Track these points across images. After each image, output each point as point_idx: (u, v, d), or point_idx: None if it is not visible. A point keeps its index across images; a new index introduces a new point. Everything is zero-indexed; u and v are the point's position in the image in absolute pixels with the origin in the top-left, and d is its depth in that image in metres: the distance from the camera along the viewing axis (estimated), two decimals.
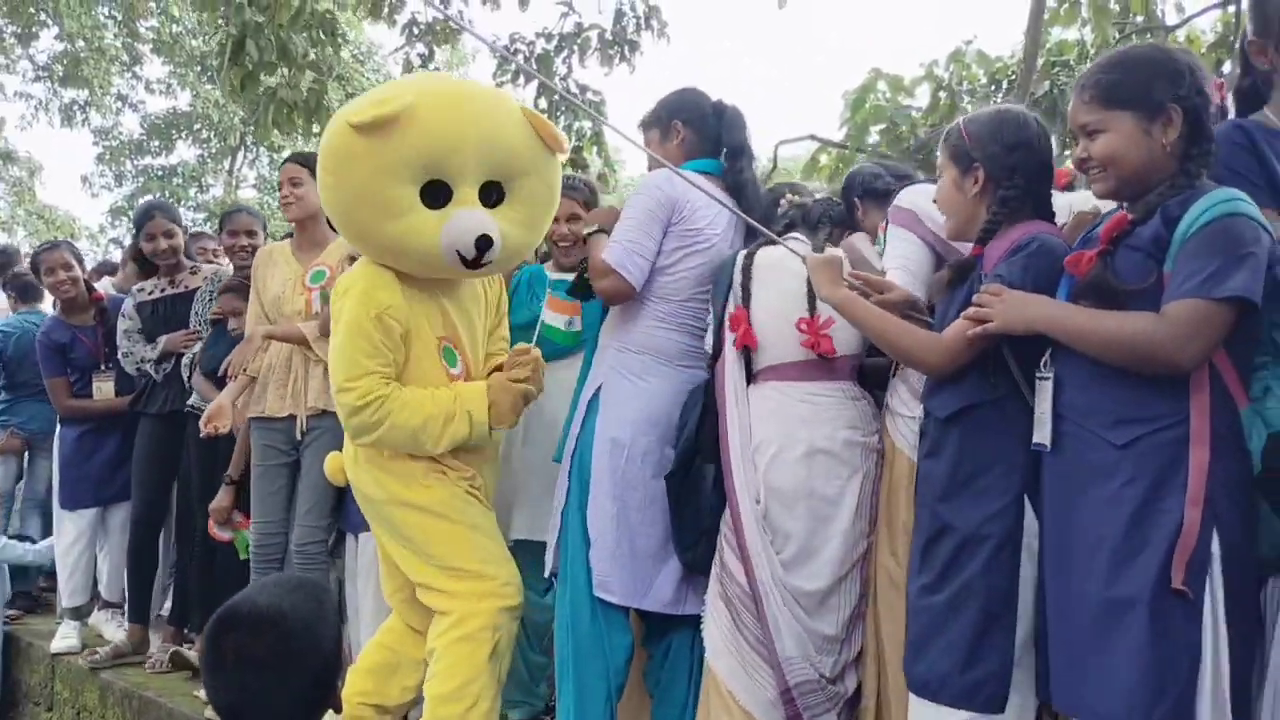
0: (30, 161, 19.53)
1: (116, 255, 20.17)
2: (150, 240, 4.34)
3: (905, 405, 2.37)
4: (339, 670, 1.72)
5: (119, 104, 20.37)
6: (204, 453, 4.02)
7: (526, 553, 2.98)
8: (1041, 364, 1.95)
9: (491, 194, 2.65)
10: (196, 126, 20.32)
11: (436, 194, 2.58)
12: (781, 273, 2.52)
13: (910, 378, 2.35)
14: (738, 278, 2.55)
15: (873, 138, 7.13)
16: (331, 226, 3.45)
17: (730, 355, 2.54)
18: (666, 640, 2.67)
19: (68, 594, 4.75)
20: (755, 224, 2.57)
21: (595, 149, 7.09)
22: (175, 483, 4.36)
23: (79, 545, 4.70)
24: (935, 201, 2.24)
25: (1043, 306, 1.91)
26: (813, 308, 2.45)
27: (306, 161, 3.54)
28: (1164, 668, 1.72)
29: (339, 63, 7.01)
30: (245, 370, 3.51)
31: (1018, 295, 1.94)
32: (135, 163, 20.89)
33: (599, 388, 2.71)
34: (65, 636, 4.68)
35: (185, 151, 21.04)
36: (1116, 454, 1.81)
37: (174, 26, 17.55)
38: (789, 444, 2.42)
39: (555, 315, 3.06)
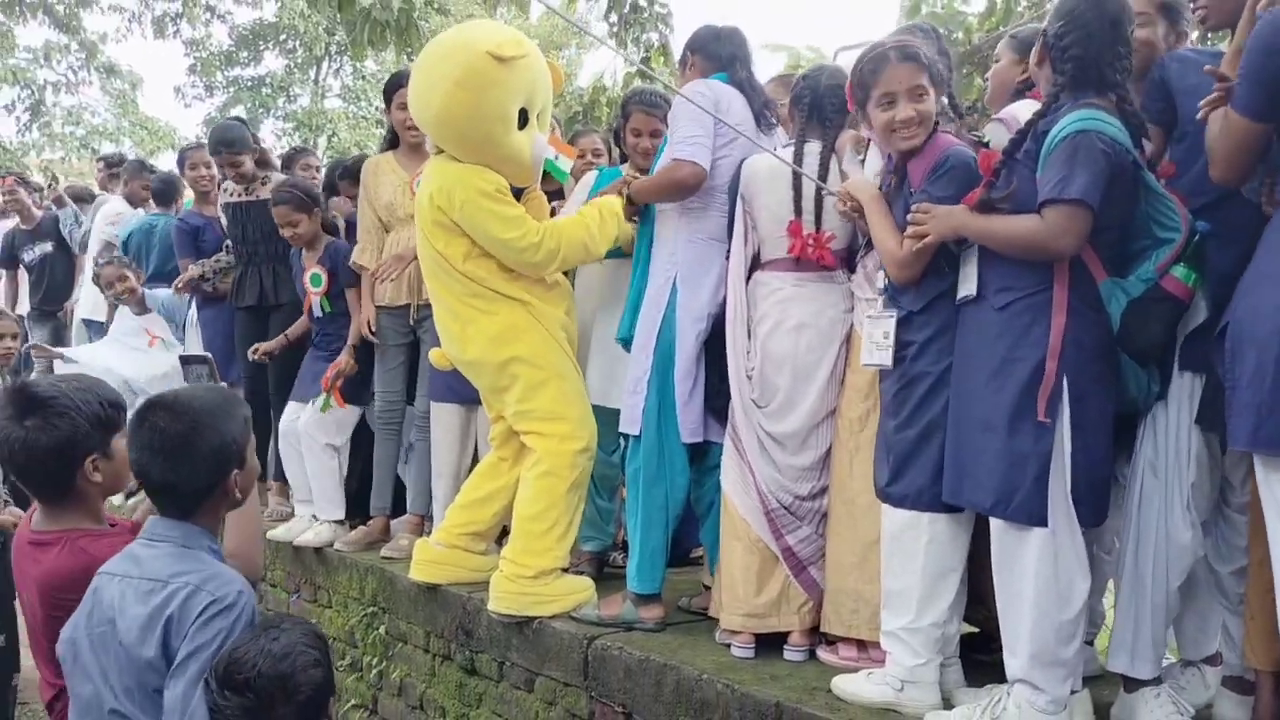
0: (132, 74, 20.32)
1: None
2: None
3: (861, 289, 2.92)
4: (236, 462, 2.05)
5: (207, 15, 21.04)
6: None
7: (597, 416, 3.59)
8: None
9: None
10: (282, 37, 20.95)
11: (523, 116, 3.32)
12: (777, 180, 3.03)
13: (868, 265, 2.88)
14: (789, 188, 3.01)
15: None
16: None
17: (737, 249, 3.09)
18: (713, 465, 3.24)
19: None
20: (780, 156, 3.05)
21: (663, 59, 7.49)
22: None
23: None
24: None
25: (963, 217, 2.43)
26: (818, 222, 2.99)
27: None
28: (1018, 471, 2.29)
29: None
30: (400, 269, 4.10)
31: (943, 210, 2.46)
32: (225, 73, 21.64)
33: (675, 276, 3.23)
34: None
35: (272, 62, 21.74)
36: (995, 314, 2.37)
37: None
38: (783, 319, 2.98)
39: (552, 149, 3.54)
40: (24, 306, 7.20)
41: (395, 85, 4.25)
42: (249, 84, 21.49)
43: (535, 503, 3.32)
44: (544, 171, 3.53)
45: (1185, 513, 2.39)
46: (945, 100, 2.81)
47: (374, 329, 4.23)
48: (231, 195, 5.00)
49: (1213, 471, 2.42)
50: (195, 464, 1.97)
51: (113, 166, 7.54)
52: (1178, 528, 2.38)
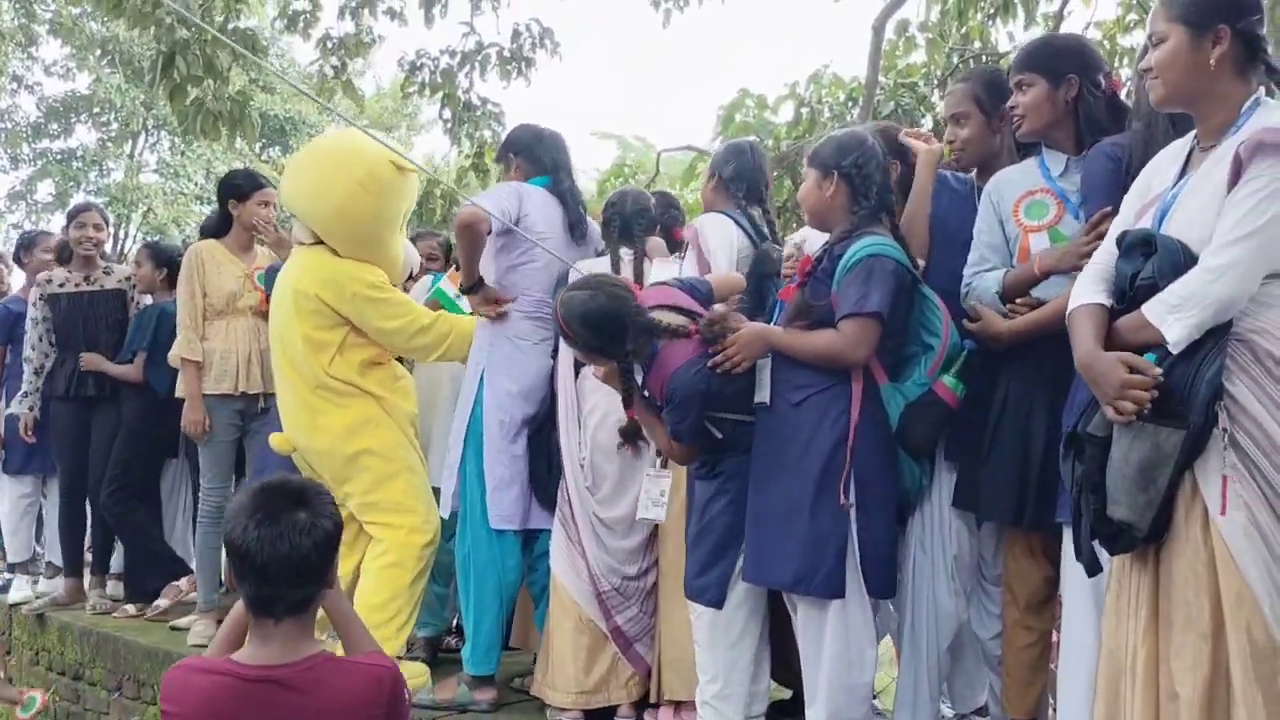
0: None
1: (14, 240, 19.94)
2: (80, 228, 4.94)
3: None
4: None
5: (14, 85, 20.14)
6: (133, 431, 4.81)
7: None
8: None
9: None
10: (96, 110, 20.23)
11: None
12: None
13: None
14: None
15: None
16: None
17: (564, 351, 3.36)
18: (544, 552, 3.45)
19: (13, 551, 5.36)
20: (560, 257, 3.43)
21: (495, 155, 7.81)
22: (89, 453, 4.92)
23: (20, 507, 5.32)
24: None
25: (773, 337, 2.73)
26: None
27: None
28: (820, 549, 2.59)
29: (260, 74, 7.59)
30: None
31: (749, 333, 2.72)
32: (33, 146, 20.66)
33: (483, 371, 3.47)
34: (19, 589, 5.29)
35: (85, 135, 20.90)
36: (792, 410, 2.68)
37: (73, 9, 17.48)
38: (611, 410, 3.26)
39: (449, 285, 3.86)
40: None
41: (256, 185, 4.42)
42: (59, 157, 20.52)
43: (379, 593, 3.45)
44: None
45: (949, 582, 2.77)
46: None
47: (210, 424, 4.26)
48: (64, 285, 4.94)
49: (972, 545, 2.82)
50: None
51: None
52: (943, 596, 2.76)
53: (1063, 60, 2.64)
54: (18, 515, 5.33)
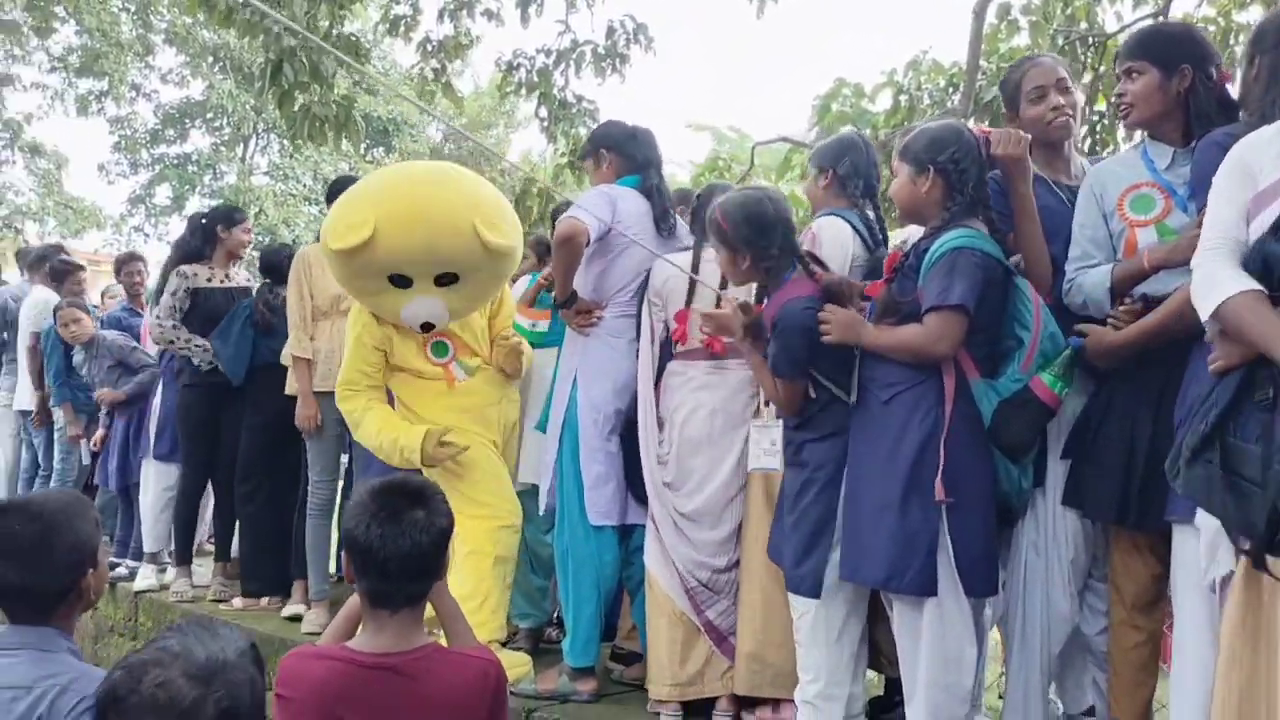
0: (57, 154, 20.13)
1: (140, 243, 20.82)
2: (246, 232, 5.29)
3: None
4: (90, 562, 2.00)
5: (133, 93, 21.06)
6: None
7: (531, 498, 3.83)
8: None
9: (447, 278, 3.46)
10: (210, 115, 21.05)
11: (401, 279, 3.44)
12: (685, 280, 3.35)
13: None
14: (678, 284, 3.36)
15: None
16: None
17: (645, 346, 3.40)
18: (639, 546, 3.48)
19: (150, 541, 5.59)
20: (664, 257, 3.40)
21: (581, 153, 7.87)
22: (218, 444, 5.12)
23: (163, 499, 5.48)
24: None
25: (864, 330, 2.70)
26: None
27: None
28: (910, 547, 2.55)
29: (364, 78, 7.80)
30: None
31: (845, 318, 2.72)
32: (151, 151, 21.60)
33: (576, 370, 3.53)
34: (145, 578, 5.53)
35: (199, 140, 21.78)
36: (881, 408, 2.66)
37: (187, 19, 18.18)
38: (699, 405, 3.28)
39: (522, 319, 3.95)
40: None
41: (339, 188, 4.53)
42: (175, 161, 21.46)
43: (465, 583, 3.50)
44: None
45: (1066, 586, 2.71)
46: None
47: (319, 421, 4.43)
48: (210, 280, 5.14)
49: (1087, 546, 2.74)
50: (52, 566, 1.95)
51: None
52: (1058, 600, 2.71)
53: (1177, 50, 2.56)
54: (160, 506, 5.48)
